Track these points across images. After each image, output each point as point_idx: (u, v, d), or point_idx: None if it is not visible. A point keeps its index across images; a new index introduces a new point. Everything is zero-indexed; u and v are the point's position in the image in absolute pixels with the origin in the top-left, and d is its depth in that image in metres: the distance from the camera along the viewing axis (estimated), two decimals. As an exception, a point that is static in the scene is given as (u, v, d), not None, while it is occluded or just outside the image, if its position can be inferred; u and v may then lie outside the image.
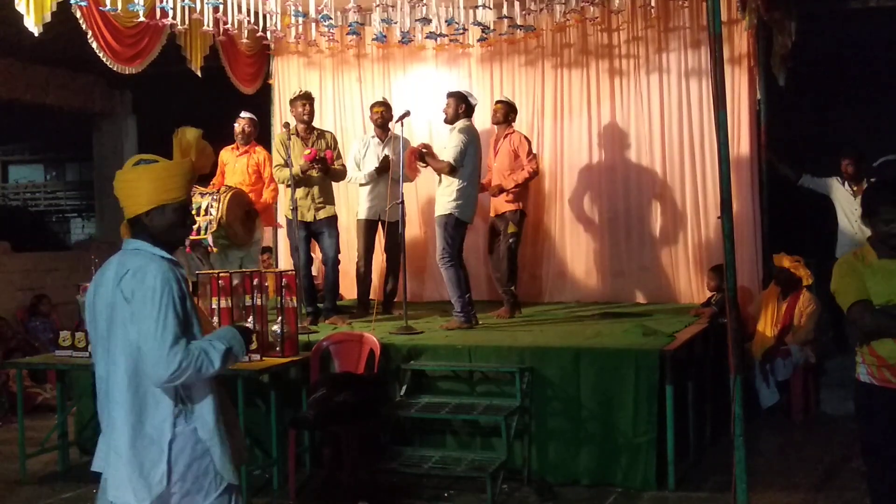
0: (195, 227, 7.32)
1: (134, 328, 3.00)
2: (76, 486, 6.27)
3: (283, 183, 7.63)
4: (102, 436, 3.17)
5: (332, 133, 8.13)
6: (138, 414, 3.04)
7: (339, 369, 6.31)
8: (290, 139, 7.46)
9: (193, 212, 7.36)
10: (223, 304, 6.29)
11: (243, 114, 8.28)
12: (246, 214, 7.79)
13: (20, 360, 7.50)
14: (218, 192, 7.59)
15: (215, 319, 6.29)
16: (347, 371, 6.24)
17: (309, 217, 7.65)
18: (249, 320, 6.17)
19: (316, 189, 7.66)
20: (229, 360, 3.12)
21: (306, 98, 7.75)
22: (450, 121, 7.41)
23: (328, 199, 7.78)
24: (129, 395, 3.04)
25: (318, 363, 6.28)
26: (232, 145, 8.25)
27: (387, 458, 5.89)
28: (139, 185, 3.15)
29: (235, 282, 6.34)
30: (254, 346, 3.47)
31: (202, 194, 7.57)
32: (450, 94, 7.51)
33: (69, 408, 7.01)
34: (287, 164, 7.27)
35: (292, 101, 7.81)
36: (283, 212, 8.36)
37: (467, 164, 7.24)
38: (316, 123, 8.05)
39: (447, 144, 7.33)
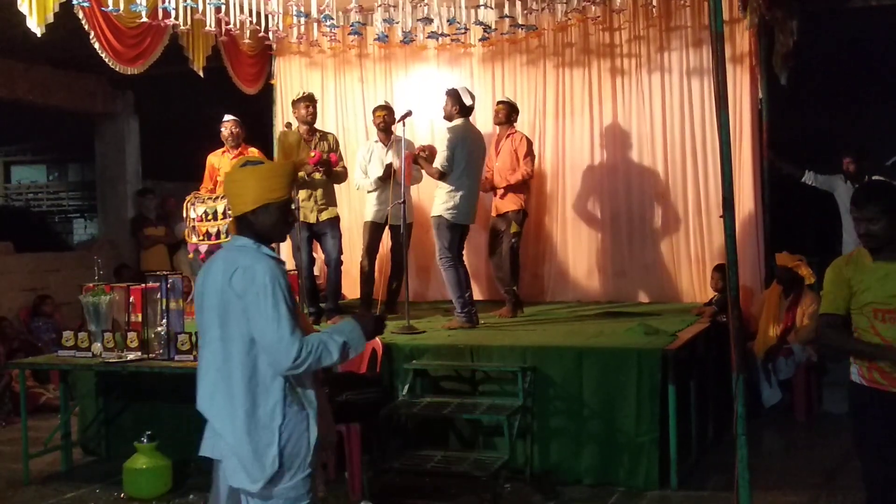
0: (214, 231, 7.37)
1: (249, 323, 3.20)
2: (79, 486, 6.29)
3: None
4: (210, 422, 3.34)
5: (334, 135, 8.12)
6: (252, 400, 3.23)
7: (342, 369, 6.31)
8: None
9: (210, 217, 7.44)
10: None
11: (227, 117, 8.14)
12: None
13: (23, 361, 7.50)
14: None
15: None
16: (350, 371, 6.24)
17: (312, 218, 7.65)
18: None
19: (319, 191, 7.66)
20: (347, 352, 3.31)
21: (309, 100, 7.74)
22: (446, 118, 7.42)
23: (330, 200, 7.79)
24: (243, 383, 3.22)
25: (320, 363, 6.27)
26: (221, 149, 8.12)
27: (389, 458, 5.89)
28: (247, 184, 3.34)
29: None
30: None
31: (213, 199, 7.56)
32: (447, 92, 7.49)
33: (72, 408, 7.03)
34: None
35: (295, 103, 7.80)
36: None
37: (457, 165, 7.19)
38: (318, 124, 8.05)
39: (440, 146, 7.34)
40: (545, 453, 5.99)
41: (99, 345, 6.33)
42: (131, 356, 6.22)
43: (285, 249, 9.43)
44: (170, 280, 6.27)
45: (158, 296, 6.26)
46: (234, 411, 3.23)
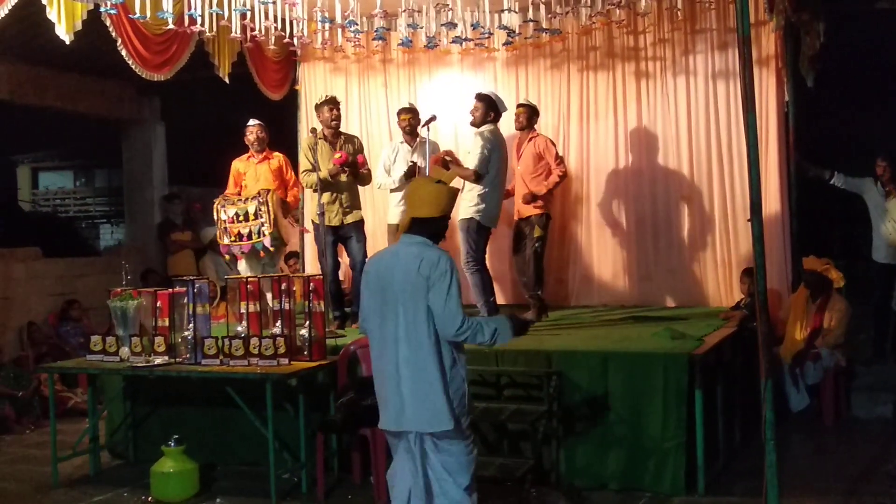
0: (246, 232, 7.43)
1: (432, 298, 4.15)
2: (107, 489, 6.34)
3: (310, 188, 7.64)
4: (388, 395, 4.24)
5: (358, 138, 8.14)
6: (440, 356, 4.19)
7: (367, 373, 6.30)
8: (317, 144, 7.48)
9: (241, 218, 7.54)
10: (251, 308, 6.34)
11: (252, 121, 8.06)
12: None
13: (52, 365, 7.58)
14: (258, 195, 7.61)
15: (244, 323, 6.35)
16: (375, 375, 6.26)
17: (336, 222, 7.65)
18: (278, 324, 6.21)
19: (344, 194, 7.67)
20: (495, 339, 4.29)
21: (332, 103, 7.74)
22: (477, 124, 7.41)
23: (355, 203, 7.79)
24: (430, 343, 4.18)
25: (345, 367, 6.29)
26: (245, 155, 8.06)
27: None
28: (433, 196, 4.40)
29: (263, 286, 6.38)
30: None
31: (242, 200, 7.60)
32: (479, 97, 7.47)
33: (100, 411, 7.09)
34: (314, 169, 7.28)
35: (318, 107, 7.80)
36: (310, 216, 8.33)
37: (491, 168, 7.25)
38: (342, 129, 8.07)
39: (471, 150, 7.33)
40: (571, 458, 5.97)
41: (126, 349, 6.38)
42: (158, 360, 6.26)
43: (310, 254, 9.49)
44: (196, 285, 6.31)
45: (185, 300, 6.31)
46: (428, 365, 4.17)
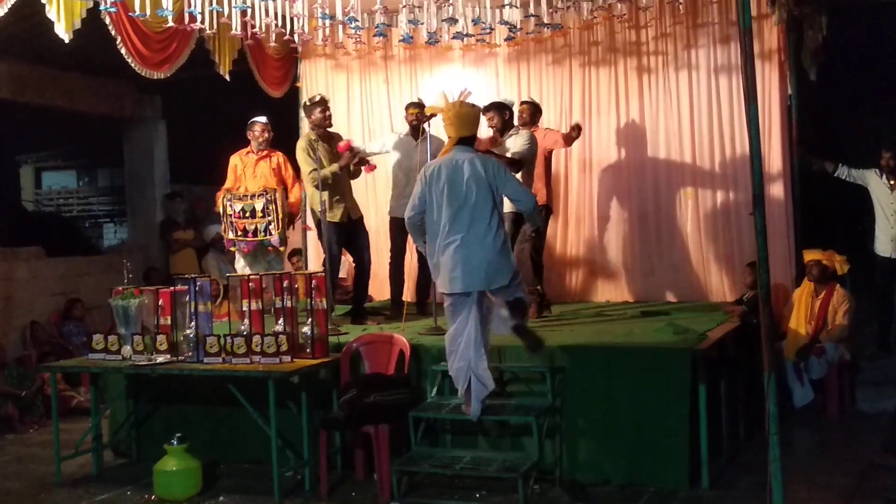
0: (252, 229, 7.45)
1: (501, 188, 5.67)
2: (110, 488, 6.33)
3: (317, 184, 7.58)
4: (465, 254, 5.58)
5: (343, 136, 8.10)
6: (500, 229, 5.65)
7: (370, 370, 6.33)
8: (314, 143, 7.47)
9: (248, 214, 7.55)
10: (254, 306, 6.33)
11: (260, 118, 7.99)
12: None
13: (54, 364, 7.58)
14: (265, 193, 7.61)
15: (246, 321, 6.34)
16: (377, 372, 6.25)
17: (345, 218, 7.67)
18: (280, 323, 6.20)
19: (348, 191, 7.68)
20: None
21: (324, 104, 7.65)
22: (502, 132, 7.33)
23: (356, 200, 7.82)
24: (495, 220, 5.62)
25: (348, 364, 6.29)
26: (245, 150, 7.99)
27: (418, 459, 5.88)
28: (476, 118, 5.97)
29: (265, 284, 6.37)
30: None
31: (249, 197, 7.59)
32: (487, 108, 7.30)
33: (103, 410, 7.07)
34: (320, 166, 7.30)
35: (309, 108, 7.67)
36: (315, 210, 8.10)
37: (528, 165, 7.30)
38: (343, 126, 8.05)
39: (514, 144, 7.30)
40: (574, 454, 5.95)
41: (129, 348, 6.37)
42: (161, 359, 6.25)
43: (312, 251, 9.46)
44: (198, 283, 6.30)
45: (187, 298, 6.30)
46: (494, 235, 5.60)
